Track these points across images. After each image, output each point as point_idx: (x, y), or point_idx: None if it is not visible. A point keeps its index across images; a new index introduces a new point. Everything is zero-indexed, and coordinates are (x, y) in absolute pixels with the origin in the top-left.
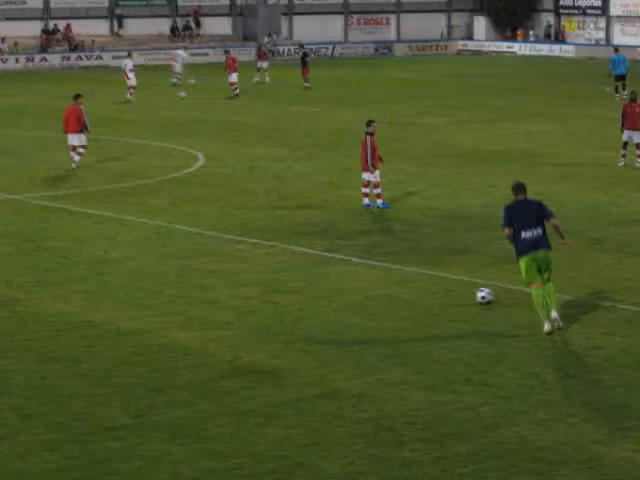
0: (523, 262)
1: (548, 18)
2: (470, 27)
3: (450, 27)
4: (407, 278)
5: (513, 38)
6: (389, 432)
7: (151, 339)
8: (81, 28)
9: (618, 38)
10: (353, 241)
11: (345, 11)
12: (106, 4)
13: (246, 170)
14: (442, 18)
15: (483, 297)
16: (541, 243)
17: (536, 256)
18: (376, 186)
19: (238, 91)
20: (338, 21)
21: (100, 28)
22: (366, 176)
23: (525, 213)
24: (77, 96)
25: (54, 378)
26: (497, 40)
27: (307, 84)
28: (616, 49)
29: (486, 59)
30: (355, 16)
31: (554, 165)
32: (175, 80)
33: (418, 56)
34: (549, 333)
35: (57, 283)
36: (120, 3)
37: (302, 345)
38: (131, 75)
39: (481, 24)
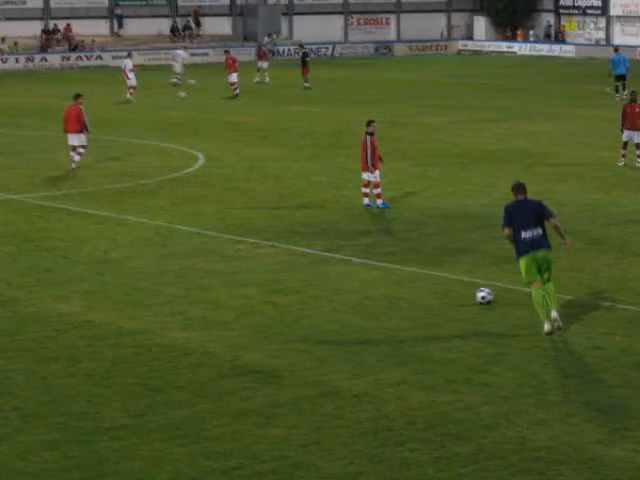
0: (523, 262)
1: (548, 18)
2: (470, 27)
3: (450, 27)
4: (407, 278)
5: (513, 38)
6: (389, 432)
7: (151, 339)
8: (81, 28)
9: (618, 38)
10: (353, 241)
11: (345, 11)
12: (106, 4)
13: (246, 170)
14: (442, 18)
15: (483, 297)
16: (541, 243)
17: (536, 256)
18: (376, 186)
19: (238, 91)
20: (338, 21)
21: (100, 28)
22: (366, 176)
23: (525, 213)
24: (77, 96)
25: (54, 378)
26: (497, 40)
27: (307, 84)
28: (616, 49)
29: (486, 59)
30: (355, 16)
31: (554, 165)
32: (175, 80)
33: (418, 56)
34: (549, 333)
35: (57, 283)
36: (120, 3)
37: (302, 345)
38: (131, 75)
39: (481, 24)
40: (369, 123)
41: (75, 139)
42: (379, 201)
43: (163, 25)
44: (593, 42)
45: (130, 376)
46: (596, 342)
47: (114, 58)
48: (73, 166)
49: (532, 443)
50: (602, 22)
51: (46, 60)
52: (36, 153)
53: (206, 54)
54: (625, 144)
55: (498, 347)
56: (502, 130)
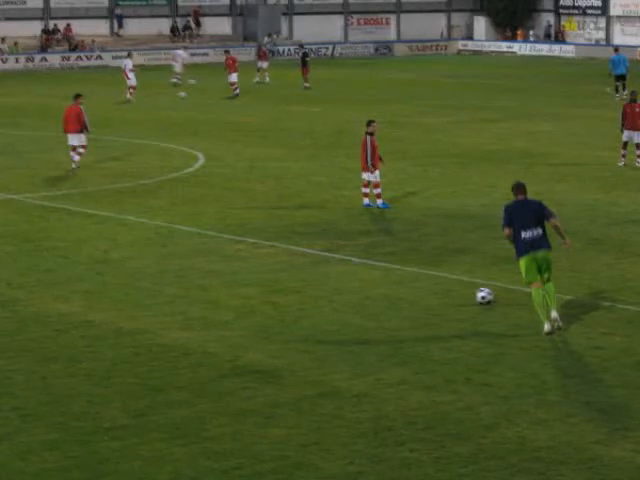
0: (523, 262)
1: (548, 18)
2: (470, 27)
3: (450, 27)
4: (407, 278)
5: (513, 38)
6: (389, 432)
7: (151, 339)
8: (81, 28)
9: (618, 38)
10: (353, 241)
11: (345, 11)
12: (106, 4)
13: (246, 170)
14: (442, 18)
15: (483, 297)
16: (541, 243)
17: (536, 256)
18: (376, 186)
19: (238, 91)
20: (338, 21)
21: (100, 28)
22: (366, 176)
23: (525, 213)
24: (77, 96)
25: (54, 378)
26: (497, 40)
27: (307, 84)
28: (616, 49)
29: (486, 59)
30: (355, 16)
31: (554, 165)
32: (175, 80)
33: (418, 56)
34: (549, 333)
35: (57, 283)
36: (120, 3)
37: (302, 345)
38: (131, 75)
39: (481, 24)
40: (369, 123)
41: (75, 139)
42: (379, 201)
43: (163, 25)
44: (593, 42)
45: (130, 376)
46: (596, 342)
47: (114, 58)
48: (73, 166)
49: (532, 443)
50: (602, 22)
51: (46, 60)
52: (36, 153)
53: (206, 54)
54: (625, 144)
55: (498, 347)
56: (502, 130)
